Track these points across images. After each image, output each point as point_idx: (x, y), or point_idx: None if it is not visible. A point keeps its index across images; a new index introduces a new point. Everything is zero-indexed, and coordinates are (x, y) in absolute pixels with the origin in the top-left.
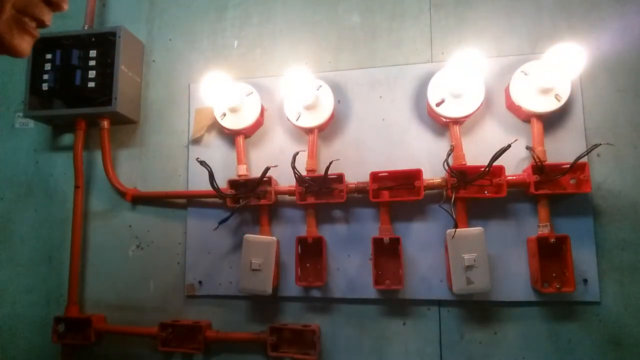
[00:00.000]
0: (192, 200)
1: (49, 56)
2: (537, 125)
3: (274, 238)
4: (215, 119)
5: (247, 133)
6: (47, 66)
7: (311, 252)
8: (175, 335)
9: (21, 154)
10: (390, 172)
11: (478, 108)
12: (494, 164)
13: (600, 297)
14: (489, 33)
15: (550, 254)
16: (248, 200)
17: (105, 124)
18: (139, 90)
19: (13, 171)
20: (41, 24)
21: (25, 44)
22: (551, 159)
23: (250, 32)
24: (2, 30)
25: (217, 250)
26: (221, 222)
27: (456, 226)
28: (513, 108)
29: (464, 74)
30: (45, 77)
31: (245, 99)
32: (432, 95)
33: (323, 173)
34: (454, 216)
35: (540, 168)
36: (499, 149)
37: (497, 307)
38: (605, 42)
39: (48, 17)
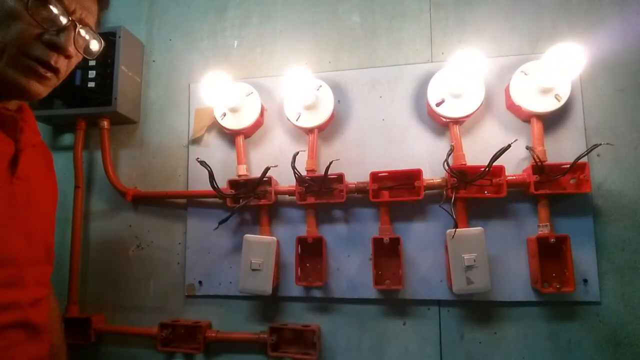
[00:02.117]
0: (192, 200)
1: None
2: (537, 125)
3: (274, 238)
4: (215, 119)
5: (247, 133)
6: None
7: (311, 252)
8: (175, 335)
9: None
10: (390, 172)
11: (478, 108)
12: (494, 164)
13: (600, 297)
14: (489, 33)
15: (550, 254)
16: (248, 200)
17: (105, 124)
18: (139, 90)
19: None
20: (46, 65)
21: (38, 87)
22: (551, 159)
23: (250, 32)
24: (8, 73)
25: (217, 250)
26: (221, 222)
27: (456, 226)
28: (513, 108)
29: (464, 74)
30: None
31: (245, 99)
32: (432, 95)
33: (323, 173)
34: (454, 216)
35: (540, 168)
36: (499, 149)
37: (497, 307)
38: (605, 42)
39: (43, 53)
